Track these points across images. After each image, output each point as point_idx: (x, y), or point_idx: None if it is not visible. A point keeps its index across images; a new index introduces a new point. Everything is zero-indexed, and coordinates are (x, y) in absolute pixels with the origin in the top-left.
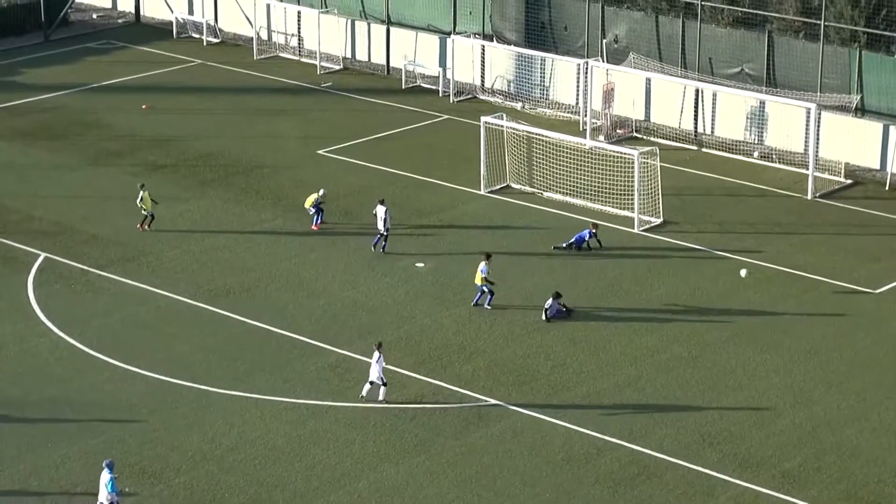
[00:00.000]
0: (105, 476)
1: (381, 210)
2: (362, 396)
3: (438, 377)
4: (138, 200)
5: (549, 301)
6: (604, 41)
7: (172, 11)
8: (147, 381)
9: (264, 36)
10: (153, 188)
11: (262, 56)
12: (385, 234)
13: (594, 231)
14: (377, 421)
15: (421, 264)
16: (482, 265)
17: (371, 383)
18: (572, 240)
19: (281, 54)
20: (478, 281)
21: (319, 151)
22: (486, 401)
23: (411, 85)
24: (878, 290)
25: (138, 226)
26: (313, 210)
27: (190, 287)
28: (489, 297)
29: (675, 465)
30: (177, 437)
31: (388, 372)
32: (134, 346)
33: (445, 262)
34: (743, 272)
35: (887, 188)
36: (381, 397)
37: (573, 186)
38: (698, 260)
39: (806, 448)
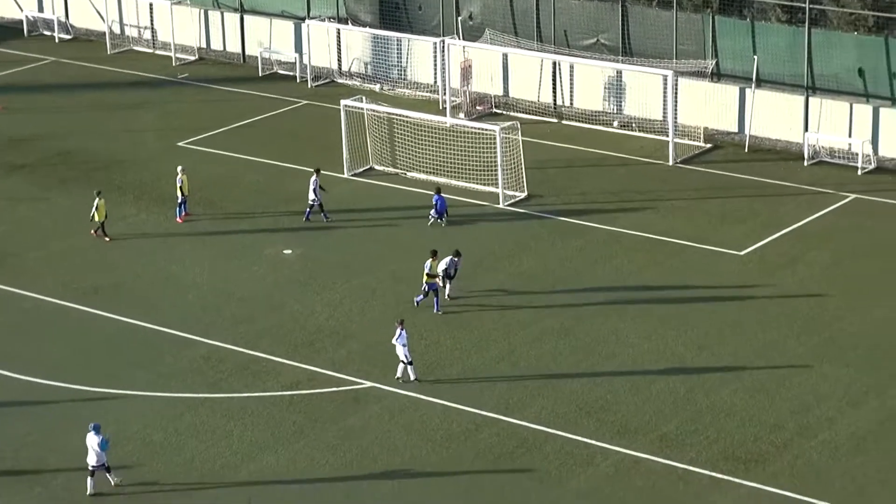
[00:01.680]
0: (94, 438)
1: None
2: (398, 378)
3: (313, 363)
4: (93, 209)
5: (448, 259)
6: (459, 19)
7: (22, 10)
8: (19, 384)
9: (117, 30)
10: (12, 189)
11: (116, 50)
12: (312, 204)
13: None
14: (254, 410)
15: (289, 251)
16: (428, 262)
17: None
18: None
19: (135, 48)
20: (425, 279)
21: (180, 143)
22: (362, 383)
23: (268, 72)
24: (742, 252)
25: (92, 231)
26: (180, 201)
27: (57, 287)
28: (422, 296)
29: (554, 435)
30: (53, 439)
31: (261, 360)
32: (2, 350)
33: (313, 247)
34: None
35: (746, 150)
36: (411, 377)
37: (437, 165)
38: (565, 231)
39: (682, 411)
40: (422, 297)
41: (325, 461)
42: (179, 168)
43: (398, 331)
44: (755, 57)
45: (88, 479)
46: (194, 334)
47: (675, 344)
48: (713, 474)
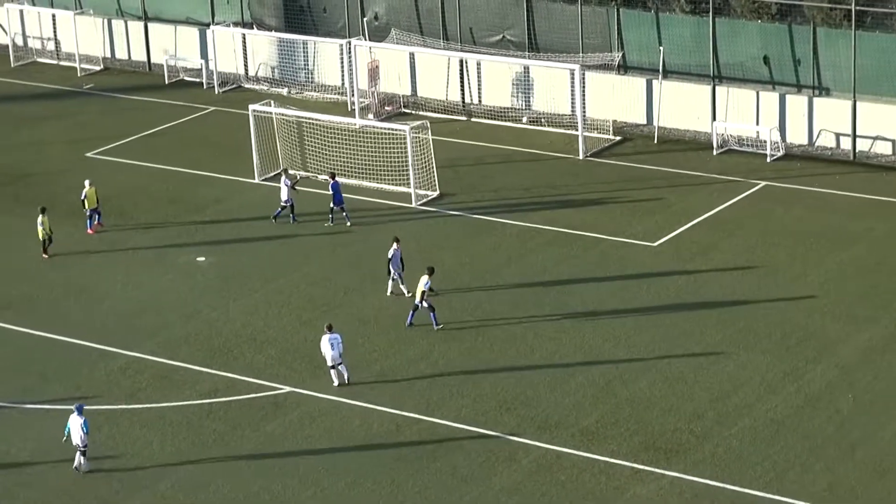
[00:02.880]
0: (77, 420)
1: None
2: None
3: (231, 370)
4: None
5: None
6: (364, 20)
7: None
8: None
9: (20, 42)
10: None
11: (20, 63)
12: (283, 205)
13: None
14: (173, 420)
15: (202, 258)
16: (424, 279)
17: (333, 368)
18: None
19: (39, 59)
20: (418, 296)
21: (88, 154)
22: (281, 389)
23: (175, 80)
24: (656, 243)
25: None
26: (88, 213)
27: None
28: (431, 311)
29: (475, 433)
30: None
31: (179, 369)
32: None
33: (226, 253)
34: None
35: (656, 141)
36: (346, 377)
37: (348, 167)
38: (478, 229)
39: (601, 404)
40: (412, 314)
41: (246, 468)
42: (87, 182)
43: (327, 336)
44: (661, 48)
45: (80, 457)
46: (110, 346)
47: (592, 337)
48: (635, 466)
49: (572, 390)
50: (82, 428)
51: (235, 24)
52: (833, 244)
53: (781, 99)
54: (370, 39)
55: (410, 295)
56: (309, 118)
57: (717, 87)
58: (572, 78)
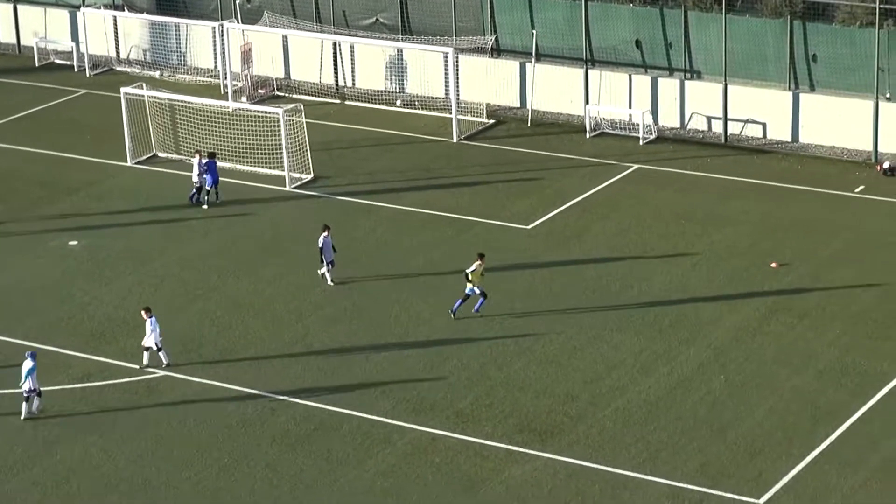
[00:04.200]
0: (29, 363)
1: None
2: (143, 367)
3: (104, 354)
4: None
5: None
6: (237, 2)
7: None
8: None
9: None
10: None
11: None
12: (198, 185)
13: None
14: (46, 405)
15: (74, 242)
16: (476, 263)
17: (147, 349)
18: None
19: None
20: (470, 284)
21: None
22: (155, 373)
23: (45, 62)
24: (530, 226)
25: None
26: None
27: None
28: (480, 298)
29: (351, 416)
30: None
31: (51, 354)
32: None
33: (99, 237)
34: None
35: (529, 124)
36: (164, 361)
37: (221, 149)
38: (353, 211)
39: (476, 386)
40: (459, 302)
41: (120, 452)
42: None
43: (149, 321)
44: (534, 32)
45: (36, 399)
46: None
47: (467, 320)
48: (510, 447)
49: (447, 372)
50: (28, 371)
51: (106, 7)
52: (705, 226)
53: (653, 82)
54: (243, 22)
55: (331, 284)
56: (182, 101)
57: (589, 71)
58: (445, 61)
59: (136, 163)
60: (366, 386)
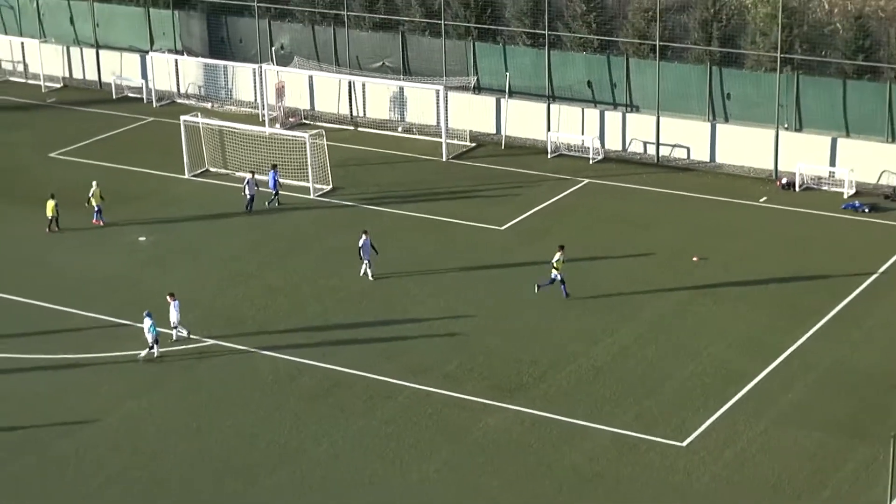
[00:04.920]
0: (147, 321)
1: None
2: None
3: (165, 326)
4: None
5: (362, 238)
6: (273, 49)
7: None
8: None
9: None
10: None
11: None
12: (274, 193)
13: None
14: (117, 368)
15: (143, 238)
16: (557, 254)
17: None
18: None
19: (10, 78)
20: (553, 270)
21: (51, 155)
22: (206, 342)
23: (120, 96)
24: (503, 227)
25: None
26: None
27: None
28: (562, 283)
29: (361, 376)
30: None
31: (122, 326)
32: None
33: (162, 233)
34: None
35: (503, 147)
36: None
37: (259, 166)
38: (363, 215)
39: (460, 354)
40: (548, 283)
41: (177, 405)
42: (94, 182)
43: (172, 303)
44: (507, 74)
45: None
46: (70, 307)
47: (454, 301)
48: (485, 401)
49: (437, 343)
50: (151, 329)
51: (170, 51)
52: (641, 227)
53: (601, 114)
54: (277, 64)
55: (366, 277)
56: (229, 127)
57: (551, 105)
58: (437, 96)
59: (192, 176)
60: (373, 353)
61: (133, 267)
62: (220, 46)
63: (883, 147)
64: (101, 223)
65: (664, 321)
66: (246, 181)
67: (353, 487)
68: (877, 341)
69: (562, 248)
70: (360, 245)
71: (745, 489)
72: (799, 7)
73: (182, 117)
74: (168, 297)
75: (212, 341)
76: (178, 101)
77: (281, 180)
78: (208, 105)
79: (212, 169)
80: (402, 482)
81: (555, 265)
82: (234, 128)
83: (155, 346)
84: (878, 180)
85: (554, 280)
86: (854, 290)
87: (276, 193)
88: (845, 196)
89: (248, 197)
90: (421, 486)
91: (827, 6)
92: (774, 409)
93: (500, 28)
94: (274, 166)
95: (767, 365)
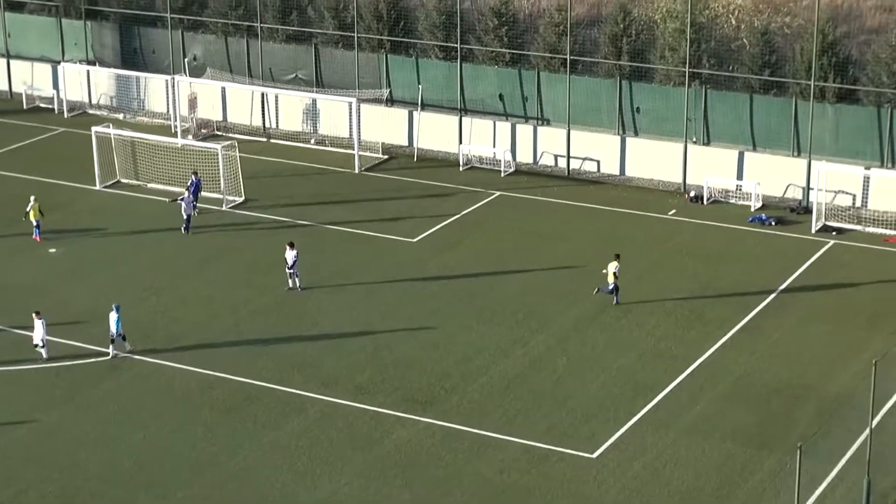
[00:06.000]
0: (114, 315)
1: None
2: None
3: (75, 338)
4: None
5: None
6: (185, 60)
7: None
8: None
9: None
10: None
11: None
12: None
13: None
14: (29, 379)
15: (53, 250)
16: (614, 264)
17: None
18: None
19: None
20: (610, 279)
21: None
22: (118, 354)
23: (31, 106)
24: (415, 239)
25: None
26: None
27: None
28: (616, 292)
29: (273, 389)
30: None
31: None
32: None
33: (75, 246)
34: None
35: (416, 160)
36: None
37: (171, 177)
38: (276, 227)
39: (371, 366)
40: (606, 290)
41: (88, 418)
42: (32, 197)
43: (37, 321)
44: (420, 86)
45: (120, 340)
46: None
47: (365, 313)
48: (398, 414)
49: (348, 354)
50: (116, 323)
51: (81, 62)
52: (552, 240)
53: (513, 127)
54: (190, 76)
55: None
56: (140, 138)
57: (462, 118)
58: (350, 109)
59: (103, 187)
60: (285, 365)
61: (44, 279)
62: (132, 57)
63: (788, 161)
64: (39, 239)
65: (574, 333)
66: (181, 198)
67: (264, 501)
68: (783, 353)
69: (618, 256)
70: (287, 260)
71: (654, 500)
72: (707, 23)
73: (93, 128)
74: (34, 315)
75: (124, 353)
76: (90, 111)
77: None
78: (120, 116)
79: (123, 180)
80: (313, 495)
81: (614, 273)
82: (146, 139)
83: (115, 342)
84: (783, 193)
85: (612, 288)
86: (761, 302)
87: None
88: (752, 209)
89: (185, 217)
90: (332, 499)
91: (734, 22)
92: (683, 420)
93: (412, 41)
94: (195, 172)
95: (676, 377)
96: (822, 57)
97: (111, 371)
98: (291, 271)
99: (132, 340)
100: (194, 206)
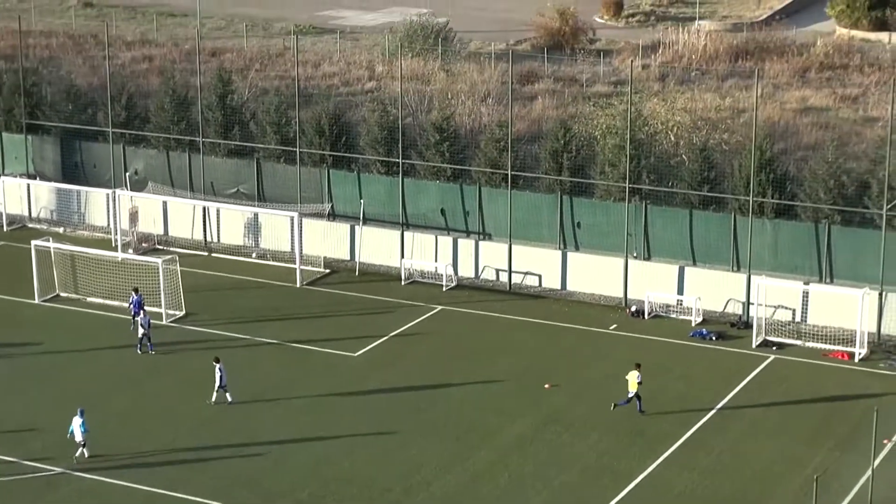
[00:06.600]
0: (77, 420)
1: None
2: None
3: (12, 454)
4: None
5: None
6: (127, 174)
7: None
8: None
9: None
10: None
11: None
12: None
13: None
14: None
15: None
16: (636, 373)
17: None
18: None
19: None
20: (632, 388)
21: None
22: (54, 470)
23: None
24: (356, 353)
25: None
26: None
27: None
28: (639, 400)
29: None
30: None
31: None
32: None
33: (12, 359)
34: None
35: (357, 274)
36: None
37: (112, 291)
38: (216, 342)
39: (313, 481)
40: (624, 402)
41: None
42: None
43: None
44: (362, 201)
45: (81, 449)
46: None
47: (307, 427)
48: None
49: (290, 470)
50: (81, 427)
51: (22, 175)
52: (495, 354)
53: (455, 242)
54: (131, 190)
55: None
56: (80, 251)
57: (405, 232)
58: (292, 223)
59: (42, 300)
60: (225, 480)
61: None
62: (73, 171)
63: (728, 276)
64: None
65: (516, 449)
66: (139, 318)
67: None
68: (725, 468)
69: (638, 365)
70: (217, 374)
71: None
72: (646, 139)
73: (33, 242)
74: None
75: (60, 469)
76: (30, 225)
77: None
78: (60, 229)
79: (63, 294)
80: None
81: (638, 383)
82: (87, 253)
83: (83, 448)
84: (724, 308)
85: (630, 399)
86: (702, 417)
87: (135, 318)
88: (693, 324)
89: (142, 335)
90: None
91: (673, 138)
92: None
93: (354, 156)
94: (136, 290)
95: (619, 492)
96: (760, 173)
97: (47, 487)
98: (220, 385)
99: (74, 455)
100: (133, 323)
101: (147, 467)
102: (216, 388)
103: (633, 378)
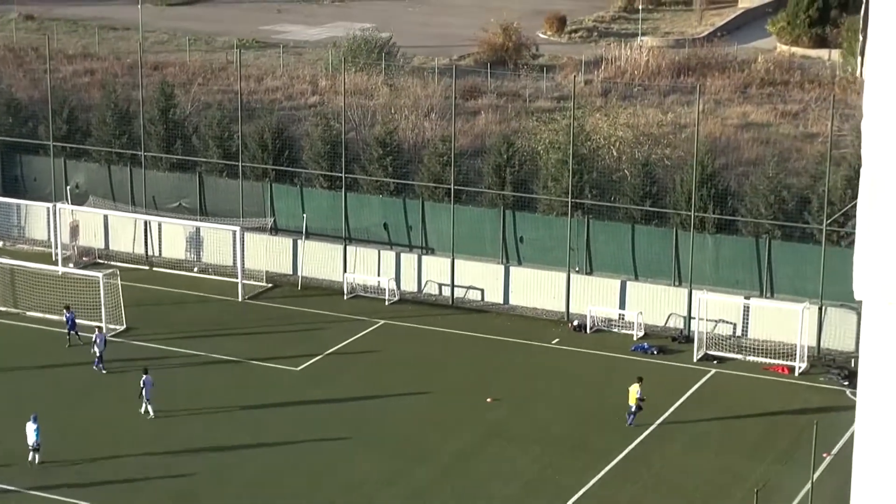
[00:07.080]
0: (31, 425)
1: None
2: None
3: None
4: None
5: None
6: (67, 188)
7: None
8: None
9: None
10: None
11: None
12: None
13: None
14: None
15: None
16: (637, 387)
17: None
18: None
19: None
20: (632, 401)
21: None
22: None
23: None
24: (298, 368)
25: None
26: None
27: None
28: (635, 414)
29: None
30: None
31: None
32: None
33: None
34: None
35: (300, 288)
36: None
37: (52, 305)
38: (157, 357)
39: (254, 497)
40: (632, 416)
41: None
42: None
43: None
44: (304, 215)
45: (33, 453)
46: None
47: (248, 441)
48: None
49: (229, 488)
50: (35, 432)
51: None
52: (436, 368)
53: (397, 256)
54: (72, 203)
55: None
56: (20, 265)
57: (347, 247)
58: (234, 237)
59: None
60: (163, 498)
61: None
62: (13, 184)
63: (670, 291)
64: None
65: (459, 463)
66: (94, 337)
67: None
68: (666, 482)
69: (640, 379)
70: (141, 385)
71: None
72: (589, 154)
73: None
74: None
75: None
76: None
77: (77, 320)
78: (0, 243)
79: (2, 308)
80: None
81: (638, 398)
82: (26, 266)
83: (35, 452)
84: (665, 323)
85: (634, 413)
86: (644, 431)
87: (71, 333)
88: (635, 338)
89: (98, 354)
90: None
91: (615, 153)
92: None
93: (297, 170)
94: (67, 307)
95: None
96: (701, 188)
97: None
98: (144, 397)
99: (27, 462)
100: (69, 337)
101: (86, 486)
102: (145, 399)
103: (633, 391)
